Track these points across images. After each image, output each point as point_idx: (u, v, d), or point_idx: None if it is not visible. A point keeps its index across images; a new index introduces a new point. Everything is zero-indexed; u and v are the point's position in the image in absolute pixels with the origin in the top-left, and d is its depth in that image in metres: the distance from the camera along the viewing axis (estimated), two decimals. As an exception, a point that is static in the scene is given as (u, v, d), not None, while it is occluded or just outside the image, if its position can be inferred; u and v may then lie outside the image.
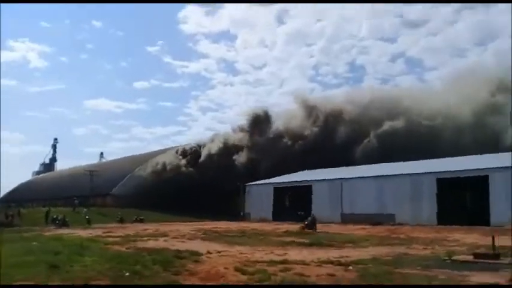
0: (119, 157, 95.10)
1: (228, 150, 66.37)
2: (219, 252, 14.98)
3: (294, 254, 14.57)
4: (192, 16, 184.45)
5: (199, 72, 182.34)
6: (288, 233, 26.69)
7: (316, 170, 49.45)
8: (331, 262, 11.88)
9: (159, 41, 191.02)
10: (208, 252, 14.50)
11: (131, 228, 31.07)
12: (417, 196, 34.35)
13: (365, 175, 39.62)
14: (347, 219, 37.60)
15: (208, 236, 23.26)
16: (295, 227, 31.45)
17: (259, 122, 69.29)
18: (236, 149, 66.40)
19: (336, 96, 73.04)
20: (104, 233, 25.62)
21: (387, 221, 34.08)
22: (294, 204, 44.70)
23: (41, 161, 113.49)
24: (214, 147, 67.92)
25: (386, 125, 57.59)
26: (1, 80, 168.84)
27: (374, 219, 34.30)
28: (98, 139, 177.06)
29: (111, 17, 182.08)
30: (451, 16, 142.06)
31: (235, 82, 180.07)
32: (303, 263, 11.80)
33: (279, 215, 43.95)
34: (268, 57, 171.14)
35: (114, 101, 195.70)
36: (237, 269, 10.11)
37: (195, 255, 13.42)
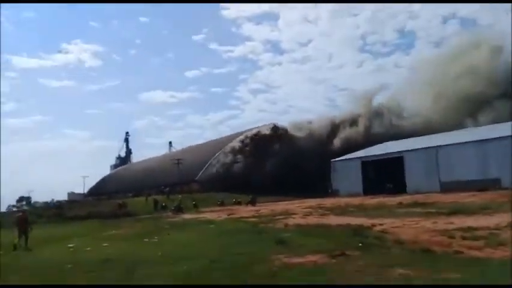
0: (187, 145, 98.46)
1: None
2: (381, 224, 15.57)
3: (460, 222, 14.87)
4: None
5: (246, 55, 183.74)
6: (403, 205, 26.79)
7: (404, 140, 48.69)
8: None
9: (203, 28, 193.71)
10: (377, 225, 15.15)
11: (242, 210, 32.52)
12: (526, 157, 33.02)
13: (462, 140, 38.52)
14: (447, 187, 36.95)
15: (336, 212, 23.97)
16: (397, 199, 31.51)
17: None
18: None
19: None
20: (229, 215, 27.10)
21: (492, 186, 33.16)
22: (383, 177, 44.53)
23: (116, 155, 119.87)
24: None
25: None
26: (62, 82, 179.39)
27: (477, 185, 33.48)
28: (157, 130, 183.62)
29: (156, 12, 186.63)
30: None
31: (282, 61, 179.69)
32: (493, 228, 12.14)
33: (369, 189, 43.98)
34: (313, 32, 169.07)
35: (167, 91, 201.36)
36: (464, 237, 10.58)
37: (367, 229, 14.15)
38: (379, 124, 65.66)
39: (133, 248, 13.16)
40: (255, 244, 11.31)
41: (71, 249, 14.32)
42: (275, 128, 71.50)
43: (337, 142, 64.36)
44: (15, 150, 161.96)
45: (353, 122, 69.46)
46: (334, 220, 18.36)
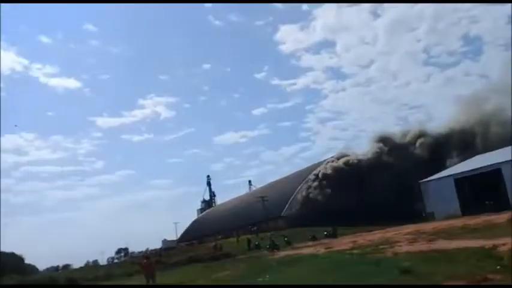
0: (266, 182, 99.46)
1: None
2: (504, 244, 14.53)
3: None
4: (288, 35, 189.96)
5: (309, 86, 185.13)
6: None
7: (500, 150, 45.22)
8: None
9: (264, 66, 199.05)
10: (500, 245, 14.19)
11: (338, 243, 31.87)
12: None
13: None
14: (559, 198, 33.62)
15: (442, 236, 22.75)
16: (504, 216, 29.14)
17: None
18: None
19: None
20: (327, 248, 26.73)
21: None
22: (481, 194, 41.53)
23: (201, 199, 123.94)
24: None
25: None
26: (142, 136, 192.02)
27: None
28: (234, 170, 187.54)
29: (217, 57, 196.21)
30: None
31: (346, 86, 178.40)
32: None
33: (467, 208, 41.12)
34: (373, 53, 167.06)
35: (238, 132, 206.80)
36: None
37: (492, 251, 13.32)
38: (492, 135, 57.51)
39: (253, 288, 13.46)
40: (379, 275, 11.10)
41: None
42: (379, 155, 66.99)
43: (453, 162, 57.09)
44: (108, 205, 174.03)
45: (463, 135, 62.31)
46: (447, 244, 17.41)
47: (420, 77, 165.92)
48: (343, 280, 11.30)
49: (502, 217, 29.04)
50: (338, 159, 70.72)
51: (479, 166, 43.23)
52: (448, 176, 45.12)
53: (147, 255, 30.44)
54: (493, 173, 39.81)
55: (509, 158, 39.31)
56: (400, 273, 10.78)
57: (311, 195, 65.69)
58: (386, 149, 66.79)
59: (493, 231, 20.94)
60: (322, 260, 18.31)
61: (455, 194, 43.50)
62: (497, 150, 46.50)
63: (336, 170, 66.66)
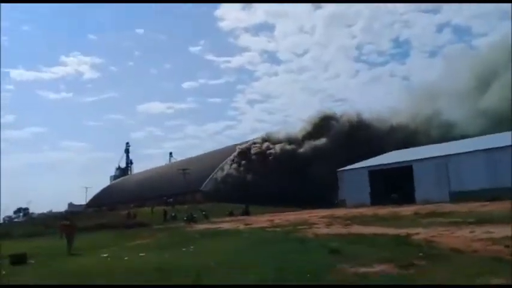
0: (187, 156, 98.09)
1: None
2: (417, 234, 15.45)
3: (499, 231, 14.78)
4: (228, 13, 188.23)
5: (243, 66, 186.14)
6: (421, 215, 26.64)
7: (414, 149, 48.45)
8: None
9: (200, 40, 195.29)
10: (413, 234, 15.05)
11: (257, 220, 32.27)
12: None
13: (472, 149, 38.41)
14: (457, 197, 36.80)
15: (356, 221, 23.76)
16: (410, 209, 31.44)
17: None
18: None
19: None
20: (246, 225, 26.85)
21: (504, 196, 33.05)
22: (391, 187, 44.35)
23: (116, 166, 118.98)
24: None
25: None
26: (60, 94, 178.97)
27: (489, 195, 33.39)
28: (155, 141, 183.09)
29: (153, 23, 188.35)
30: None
31: (279, 71, 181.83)
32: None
33: (376, 199, 43.74)
34: (309, 43, 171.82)
35: (165, 102, 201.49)
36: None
37: (408, 238, 14.06)
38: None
39: (176, 257, 12.90)
40: (307, 253, 11.16)
41: (108, 258, 14.06)
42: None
43: None
44: (13, 162, 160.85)
45: (406, 131, 63.35)
46: (363, 229, 18.16)
47: (349, 72, 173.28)
48: (268, 256, 11.20)
49: (406, 209, 31.24)
50: (265, 141, 71.04)
51: (394, 161, 46.01)
52: (363, 167, 47.45)
53: (68, 217, 28.64)
54: (405, 169, 42.49)
55: (421, 157, 42.38)
56: (329, 253, 10.93)
57: (234, 172, 65.77)
58: (325, 135, 67.09)
59: (400, 221, 22.33)
60: (245, 235, 18.22)
61: (368, 185, 45.92)
62: (412, 148, 49.81)
63: (267, 151, 66.97)
